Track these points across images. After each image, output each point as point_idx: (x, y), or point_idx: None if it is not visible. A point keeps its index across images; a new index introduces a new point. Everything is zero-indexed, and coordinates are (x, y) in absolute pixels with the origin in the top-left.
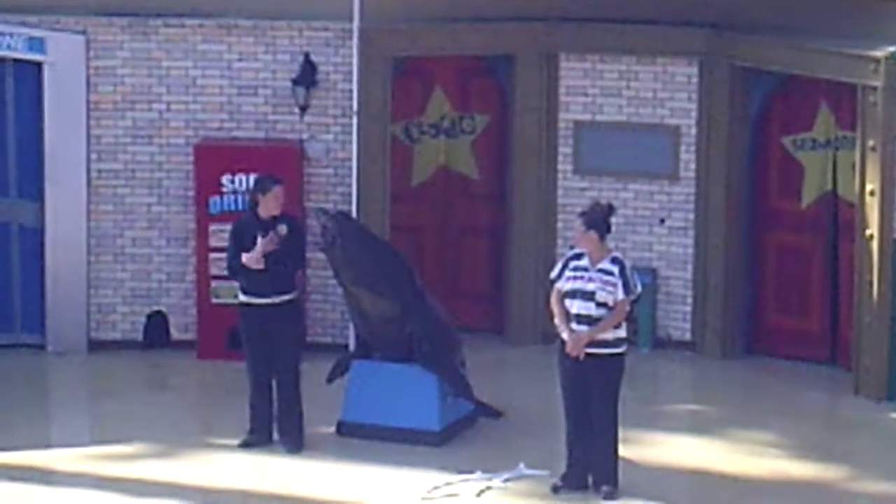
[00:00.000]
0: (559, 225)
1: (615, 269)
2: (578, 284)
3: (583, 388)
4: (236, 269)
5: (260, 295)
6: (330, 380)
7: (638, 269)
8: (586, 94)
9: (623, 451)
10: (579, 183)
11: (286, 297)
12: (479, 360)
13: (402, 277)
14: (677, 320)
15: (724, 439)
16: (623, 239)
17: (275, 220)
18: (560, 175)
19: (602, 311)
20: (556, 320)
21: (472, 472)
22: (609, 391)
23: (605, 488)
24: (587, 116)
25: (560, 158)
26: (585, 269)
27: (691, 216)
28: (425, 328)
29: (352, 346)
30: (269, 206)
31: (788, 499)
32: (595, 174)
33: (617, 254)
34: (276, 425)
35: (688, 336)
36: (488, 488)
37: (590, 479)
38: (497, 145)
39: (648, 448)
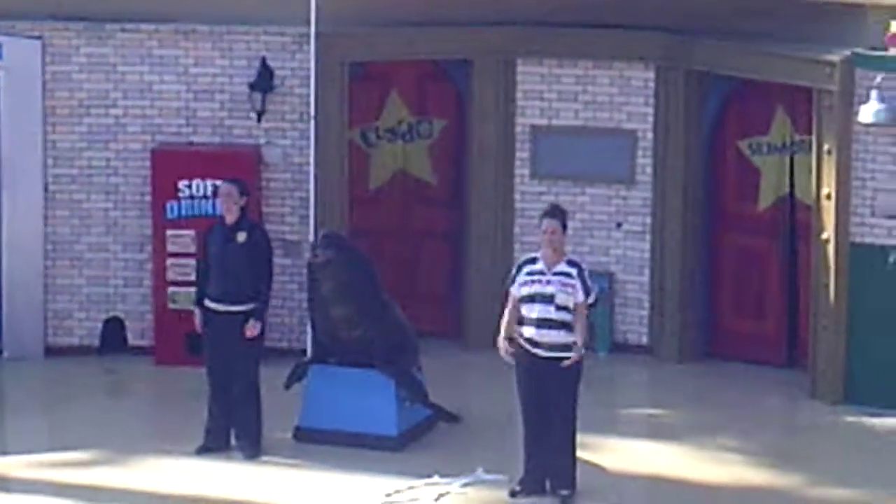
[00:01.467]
0: (516, 230)
1: (573, 271)
2: (536, 288)
3: (540, 392)
4: (199, 277)
5: (218, 301)
6: (287, 385)
7: (595, 273)
8: (543, 99)
9: (581, 455)
10: (536, 187)
11: (244, 307)
12: (437, 365)
13: (367, 282)
14: (634, 324)
15: (681, 444)
16: (580, 243)
17: (237, 225)
18: (517, 179)
19: (562, 315)
20: (503, 324)
21: (430, 476)
22: (567, 395)
23: (562, 493)
24: (544, 121)
25: (517, 163)
26: (542, 273)
27: (648, 220)
28: (384, 332)
29: (309, 352)
30: (222, 207)
31: (746, 503)
32: (552, 178)
33: (573, 256)
34: (233, 431)
35: (645, 340)
36: (447, 493)
37: (547, 484)
38: (454, 150)
39: (606, 452)
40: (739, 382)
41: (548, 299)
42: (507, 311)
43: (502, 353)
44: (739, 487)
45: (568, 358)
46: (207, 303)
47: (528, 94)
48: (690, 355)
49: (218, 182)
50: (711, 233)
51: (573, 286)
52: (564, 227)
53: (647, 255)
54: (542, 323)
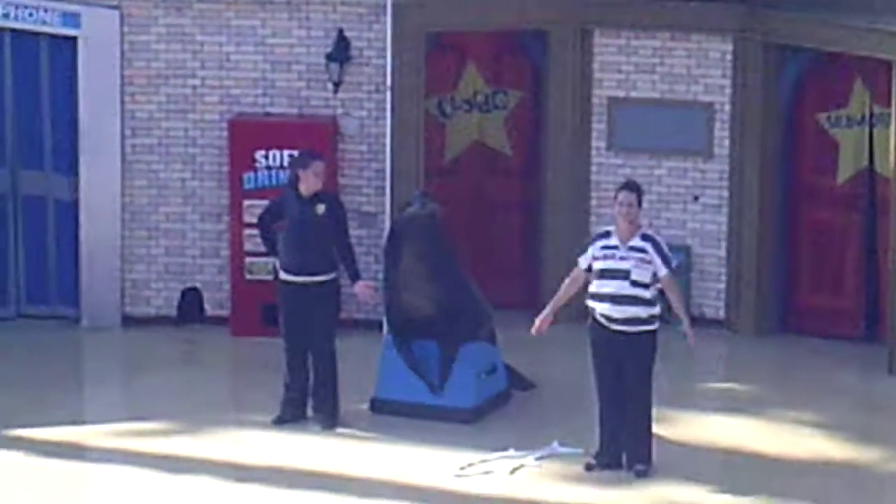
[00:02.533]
0: (593, 202)
1: (647, 246)
2: (610, 264)
3: (615, 367)
4: (268, 237)
5: (296, 273)
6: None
7: (671, 247)
8: (620, 71)
9: (657, 429)
10: (613, 160)
11: (322, 278)
12: (513, 337)
13: (452, 248)
14: (711, 298)
15: (757, 418)
16: (657, 216)
17: (315, 197)
18: (594, 152)
19: (638, 290)
20: (556, 296)
21: (505, 449)
22: (642, 369)
23: (638, 467)
24: (621, 93)
25: (594, 135)
26: (616, 248)
27: (725, 193)
28: (459, 302)
29: (385, 323)
30: (309, 182)
31: (823, 478)
32: (629, 151)
33: (647, 230)
34: (310, 402)
35: (721, 314)
36: (522, 466)
37: (623, 458)
38: (530, 121)
39: (682, 426)
40: (816, 357)
41: (623, 275)
42: (565, 284)
43: (536, 325)
44: (816, 462)
45: (646, 332)
46: (285, 276)
47: (605, 65)
48: (767, 329)
49: (294, 152)
50: (789, 206)
51: (649, 261)
52: (640, 201)
53: (724, 228)
54: (617, 299)
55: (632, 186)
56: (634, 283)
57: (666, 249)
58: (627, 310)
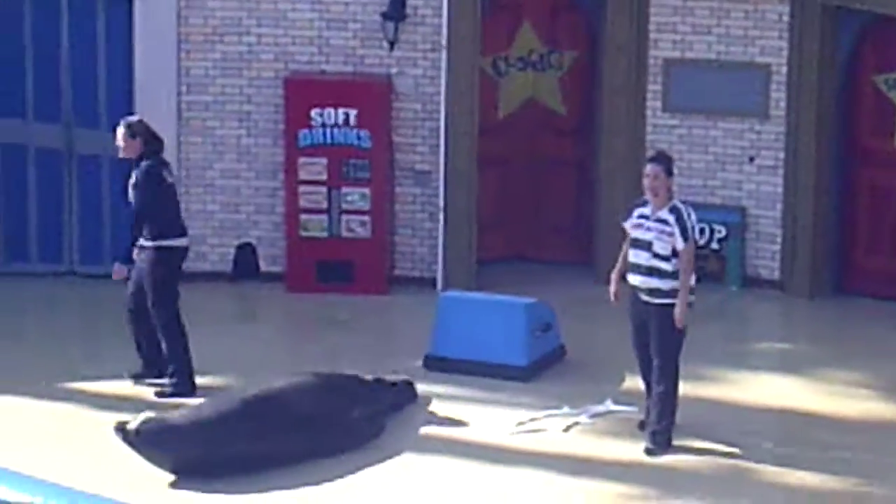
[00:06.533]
0: None
1: (671, 218)
2: (638, 233)
3: (645, 335)
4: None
5: (185, 234)
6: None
7: (727, 208)
8: (676, 32)
9: (708, 389)
10: (669, 121)
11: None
12: (568, 296)
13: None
14: (766, 259)
15: (811, 379)
16: (712, 177)
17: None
18: (649, 112)
19: (656, 262)
20: (620, 260)
21: (559, 407)
22: (667, 344)
23: (648, 446)
24: (677, 54)
25: (649, 96)
26: (646, 218)
27: (781, 155)
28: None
29: (440, 281)
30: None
31: (876, 438)
32: (684, 112)
33: (676, 202)
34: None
35: (776, 275)
36: (575, 424)
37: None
38: (585, 81)
39: (734, 386)
40: (871, 319)
41: (644, 245)
42: (623, 249)
43: (612, 297)
44: (868, 421)
45: (669, 304)
46: (180, 241)
47: (661, 26)
48: (822, 291)
49: (351, 110)
50: (845, 168)
51: (670, 234)
52: (669, 172)
53: (779, 189)
54: (640, 269)
55: (658, 159)
56: (655, 255)
57: (689, 222)
58: (649, 281)
